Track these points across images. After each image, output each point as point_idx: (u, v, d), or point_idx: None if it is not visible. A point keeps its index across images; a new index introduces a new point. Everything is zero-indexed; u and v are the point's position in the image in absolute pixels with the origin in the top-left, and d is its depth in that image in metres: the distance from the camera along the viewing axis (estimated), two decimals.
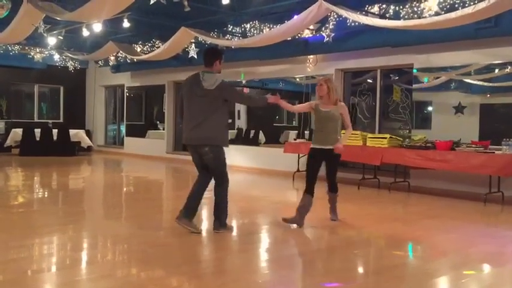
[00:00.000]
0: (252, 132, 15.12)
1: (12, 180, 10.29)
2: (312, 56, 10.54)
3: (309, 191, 5.75)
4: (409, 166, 8.44)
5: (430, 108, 9.41)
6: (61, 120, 16.77)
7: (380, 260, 4.61)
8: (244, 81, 13.04)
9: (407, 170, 8.82)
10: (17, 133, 14.62)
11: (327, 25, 8.88)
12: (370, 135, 8.96)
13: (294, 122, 17.19)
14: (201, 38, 10.01)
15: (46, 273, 3.89)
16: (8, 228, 5.38)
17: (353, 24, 8.46)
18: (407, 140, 8.57)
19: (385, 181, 8.90)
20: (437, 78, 9.04)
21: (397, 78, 10.09)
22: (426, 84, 9.21)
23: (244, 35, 10.38)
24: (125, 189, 9.51)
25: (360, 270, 4.37)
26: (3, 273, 3.78)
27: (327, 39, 8.75)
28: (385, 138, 8.54)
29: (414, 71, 9.06)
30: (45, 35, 10.17)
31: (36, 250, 4.55)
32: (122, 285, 3.61)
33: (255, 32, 10.22)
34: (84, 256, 4.45)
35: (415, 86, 9.19)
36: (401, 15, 8.03)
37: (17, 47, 13.27)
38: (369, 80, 10.33)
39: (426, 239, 5.40)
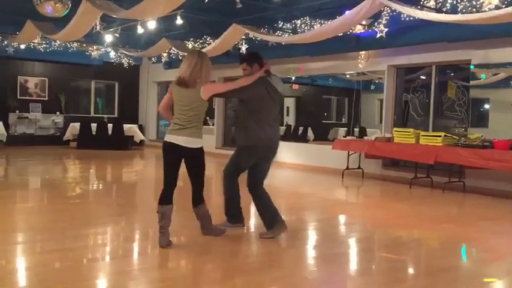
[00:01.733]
0: (301, 129, 15.07)
1: (70, 172, 10.73)
2: (363, 52, 10.35)
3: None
4: (465, 166, 8.14)
5: (487, 106, 9.03)
6: (116, 115, 17.33)
7: (431, 261, 4.47)
8: (293, 78, 13.00)
9: (462, 170, 8.51)
10: (74, 127, 15.25)
11: (380, 20, 8.68)
12: (423, 133, 8.71)
13: (343, 119, 17.00)
14: (251, 34, 10.05)
15: (100, 262, 4.04)
16: (66, 218, 5.61)
17: (407, 19, 8.23)
18: (463, 138, 8.27)
19: (439, 181, 8.62)
20: (496, 74, 8.66)
21: (452, 74, 9.74)
22: (484, 81, 8.84)
23: (294, 31, 10.33)
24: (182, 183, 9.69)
25: (410, 271, 4.26)
26: (61, 261, 3.95)
27: (380, 34, 8.56)
28: (440, 136, 8.27)
29: (471, 67, 8.72)
30: (102, 32, 10.51)
31: (91, 240, 4.73)
32: (173, 277, 3.69)
33: (306, 28, 10.14)
34: (136, 247, 4.58)
35: (472, 82, 8.85)
36: (459, 9, 7.74)
37: (75, 44, 13.78)
38: (423, 77, 10.04)
39: (482, 242, 5.20)
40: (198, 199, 4.60)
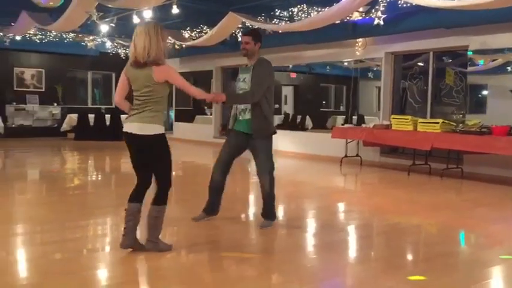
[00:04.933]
0: (299, 117, 15.05)
1: (69, 164, 10.73)
2: (360, 40, 10.31)
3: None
4: (463, 151, 8.17)
5: (485, 92, 9.03)
6: (113, 106, 17.26)
7: (430, 247, 4.50)
8: (290, 66, 12.96)
9: (460, 156, 8.54)
10: (72, 118, 15.22)
11: (377, 7, 8.64)
12: (421, 120, 8.71)
13: (341, 107, 16.98)
14: (248, 22, 10.00)
15: (100, 253, 4.05)
16: (65, 209, 5.62)
17: (405, 5, 8.19)
18: (461, 125, 8.28)
19: (437, 167, 8.65)
20: (494, 60, 8.65)
21: (450, 61, 9.72)
22: (482, 67, 8.83)
23: (291, 19, 10.27)
24: (174, 173, 9.70)
25: (409, 257, 4.28)
26: (61, 252, 3.96)
27: (377, 21, 8.52)
28: (438, 123, 8.27)
29: (469, 53, 8.70)
30: (97, 22, 10.45)
31: (91, 230, 4.74)
32: (172, 266, 3.71)
33: (303, 15, 10.09)
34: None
35: (469, 69, 8.83)
36: None
37: (71, 34, 13.70)
38: (420, 63, 10.02)
39: (480, 227, 5.22)
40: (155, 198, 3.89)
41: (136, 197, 3.86)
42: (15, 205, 6.01)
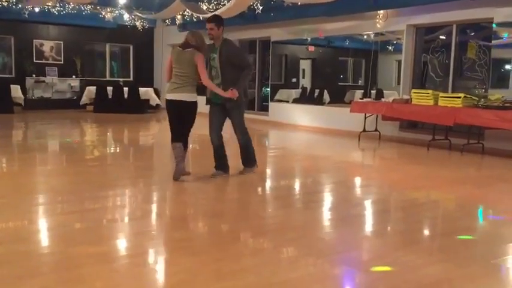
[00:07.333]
0: (317, 91, 14.90)
1: (88, 136, 10.84)
2: (381, 12, 10.08)
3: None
4: (485, 127, 8.01)
5: (508, 67, 8.80)
6: (131, 78, 17.31)
7: (448, 222, 4.46)
8: (309, 39, 12.77)
9: (481, 132, 8.39)
10: (90, 91, 15.31)
11: None
12: (442, 94, 8.55)
13: (360, 81, 16.74)
14: None
15: (119, 223, 4.11)
16: (85, 180, 5.69)
17: None
18: (483, 99, 8.10)
19: (457, 143, 8.52)
20: None
21: (473, 34, 9.46)
22: (506, 41, 8.58)
23: None
24: (190, 146, 9.73)
25: (427, 232, 4.26)
26: (81, 221, 4.03)
27: None
28: (459, 97, 8.12)
29: (493, 25, 8.45)
30: None
31: (110, 201, 4.80)
32: (191, 237, 3.75)
33: None
34: (154, 208, 4.65)
35: (494, 42, 8.59)
36: None
37: (89, 6, 13.66)
38: (442, 37, 9.78)
39: (500, 203, 5.16)
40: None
41: (177, 139, 5.37)
42: (37, 175, 6.12)
